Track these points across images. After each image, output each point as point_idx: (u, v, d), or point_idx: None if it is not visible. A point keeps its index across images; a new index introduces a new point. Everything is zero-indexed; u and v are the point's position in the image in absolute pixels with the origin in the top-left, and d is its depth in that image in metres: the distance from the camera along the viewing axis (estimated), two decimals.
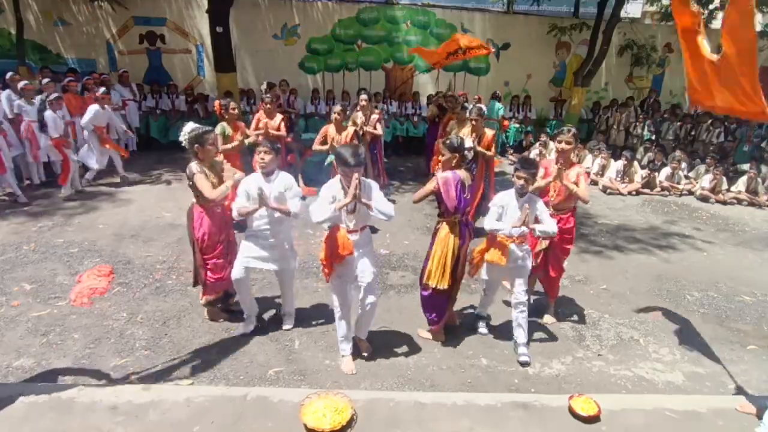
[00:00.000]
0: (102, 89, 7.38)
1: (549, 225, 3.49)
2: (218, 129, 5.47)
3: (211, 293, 3.84)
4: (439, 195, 3.52)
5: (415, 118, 10.58)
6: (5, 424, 2.71)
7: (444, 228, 3.58)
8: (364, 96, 6.87)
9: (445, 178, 3.50)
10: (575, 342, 4.00)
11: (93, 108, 6.92)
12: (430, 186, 3.54)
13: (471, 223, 3.80)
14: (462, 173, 3.55)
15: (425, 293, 3.74)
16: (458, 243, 3.57)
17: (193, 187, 3.55)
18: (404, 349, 3.75)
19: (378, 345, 3.75)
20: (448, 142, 3.58)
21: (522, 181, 3.44)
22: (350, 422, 2.81)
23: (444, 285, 3.59)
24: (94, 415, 2.81)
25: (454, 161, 3.54)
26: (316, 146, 6.07)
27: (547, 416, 3.01)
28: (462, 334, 3.97)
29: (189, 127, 3.63)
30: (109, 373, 3.31)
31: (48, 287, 4.35)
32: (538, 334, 4.03)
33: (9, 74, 7.12)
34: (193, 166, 3.55)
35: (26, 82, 6.95)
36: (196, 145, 3.56)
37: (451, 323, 4.00)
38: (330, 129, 5.97)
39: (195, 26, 10.92)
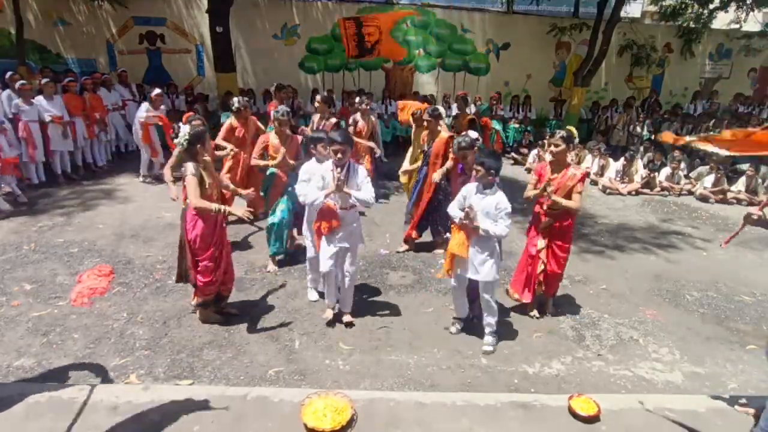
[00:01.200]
0: (157, 90, 7.49)
1: (498, 227, 3.46)
2: None
3: (202, 295, 3.81)
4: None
5: None
6: (5, 424, 2.71)
7: None
8: (318, 97, 6.30)
9: None
10: (575, 342, 4.00)
11: (144, 106, 7.31)
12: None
13: None
14: None
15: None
16: None
17: (185, 187, 3.52)
18: (404, 349, 3.75)
19: (378, 345, 3.77)
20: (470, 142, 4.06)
21: (473, 171, 3.64)
22: (350, 422, 2.82)
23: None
24: (94, 415, 2.81)
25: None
26: (253, 161, 4.95)
27: (546, 416, 3.01)
28: (462, 334, 3.97)
29: (186, 128, 3.66)
30: (109, 373, 3.31)
31: (48, 287, 4.36)
32: (537, 334, 4.04)
33: (9, 74, 7.11)
34: (190, 166, 3.49)
35: (23, 81, 6.90)
36: (198, 145, 3.51)
37: None
38: (271, 138, 4.81)
39: (195, 26, 10.92)
